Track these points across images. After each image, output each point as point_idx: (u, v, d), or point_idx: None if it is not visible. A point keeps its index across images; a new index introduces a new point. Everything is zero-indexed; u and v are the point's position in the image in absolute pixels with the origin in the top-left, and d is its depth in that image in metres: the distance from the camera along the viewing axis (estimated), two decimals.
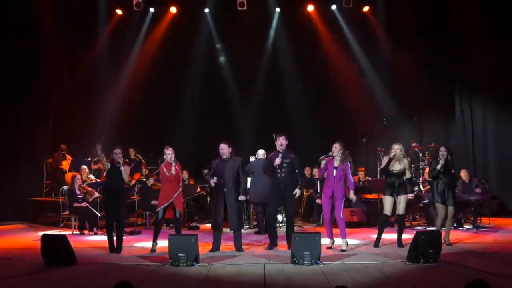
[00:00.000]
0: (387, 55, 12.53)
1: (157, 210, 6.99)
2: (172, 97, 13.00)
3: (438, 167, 7.26)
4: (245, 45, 12.71)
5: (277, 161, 7.01)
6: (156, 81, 12.91)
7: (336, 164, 6.97)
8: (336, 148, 6.97)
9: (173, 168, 6.97)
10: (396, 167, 7.09)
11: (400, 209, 7.10)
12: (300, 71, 13.08)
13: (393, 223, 8.80)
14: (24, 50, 11.15)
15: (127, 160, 7.12)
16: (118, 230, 7.05)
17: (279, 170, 7.06)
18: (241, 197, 7.08)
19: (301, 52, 12.95)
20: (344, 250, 6.80)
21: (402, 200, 7.07)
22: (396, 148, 7.06)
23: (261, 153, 8.93)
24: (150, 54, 12.84)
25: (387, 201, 7.13)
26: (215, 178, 6.99)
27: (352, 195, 7.09)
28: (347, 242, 6.97)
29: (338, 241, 7.08)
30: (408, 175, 7.22)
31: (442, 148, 7.38)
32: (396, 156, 7.06)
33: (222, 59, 13.11)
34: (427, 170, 10.11)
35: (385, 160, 7.22)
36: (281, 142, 7.11)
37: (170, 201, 6.93)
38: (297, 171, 7.20)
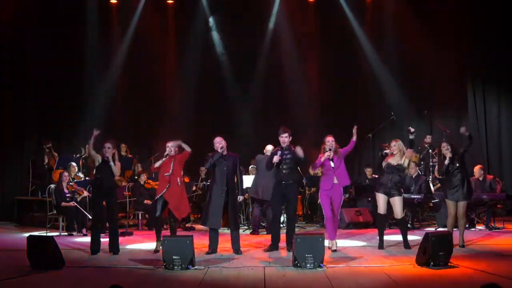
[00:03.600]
0: (395, 45, 12.49)
1: (156, 198, 7.07)
2: (167, 90, 12.96)
3: (446, 162, 7.22)
4: (244, 34, 12.69)
5: (275, 158, 7.04)
6: (149, 73, 12.87)
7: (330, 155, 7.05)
8: (334, 141, 7.02)
9: (159, 161, 7.03)
10: (394, 161, 7.11)
11: (398, 213, 7.12)
12: (302, 63, 13.05)
13: (391, 225, 8.95)
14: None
15: (107, 156, 7.04)
16: (111, 230, 7.05)
17: (280, 167, 7.09)
18: (241, 198, 7.10)
19: (304, 42, 12.91)
20: (335, 250, 6.91)
21: (396, 202, 7.07)
22: (393, 145, 7.14)
23: (269, 149, 8.90)
24: (143, 44, 12.80)
25: (380, 199, 7.15)
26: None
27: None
28: (336, 243, 7.06)
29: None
30: (407, 172, 7.31)
31: (444, 144, 7.39)
32: (393, 152, 7.11)
33: (215, 33, 13.03)
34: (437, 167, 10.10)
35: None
36: (283, 140, 7.15)
37: (160, 194, 6.97)
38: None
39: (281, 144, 7.18)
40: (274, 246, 7.12)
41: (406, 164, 7.13)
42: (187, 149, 7.19)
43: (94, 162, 7.16)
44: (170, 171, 7.01)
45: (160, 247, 6.91)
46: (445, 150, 7.30)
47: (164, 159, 7.01)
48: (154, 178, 9.98)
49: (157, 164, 7.09)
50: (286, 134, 7.14)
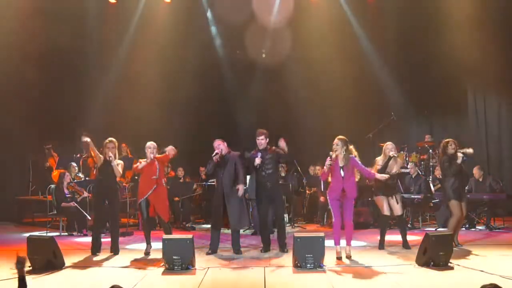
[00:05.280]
0: (395, 45, 12.47)
1: (140, 200, 6.98)
2: (167, 90, 12.95)
3: (459, 161, 7.21)
4: (244, 36, 12.68)
5: (257, 161, 7.04)
6: (149, 73, 12.85)
7: (341, 163, 6.50)
8: (338, 145, 6.54)
9: (143, 162, 6.99)
10: (394, 168, 7.14)
11: (398, 210, 7.16)
12: (302, 63, 13.04)
13: (391, 225, 8.90)
14: None
15: (110, 156, 7.01)
16: (112, 230, 7.07)
17: (263, 169, 7.09)
18: (240, 188, 6.93)
19: (303, 42, 12.90)
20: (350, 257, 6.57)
21: (398, 199, 7.15)
22: (391, 148, 7.13)
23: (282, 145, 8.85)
24: (143, 44, 12.79)
25: (381, 201, 7.19)
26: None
27: (379, 175, 6.84)
28: (345, 249, 6.66)
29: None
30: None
31: (451, 141, 7.33)
32: (395, 156, 7.13)
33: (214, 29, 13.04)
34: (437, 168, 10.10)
35: (381, 161, 7.20)
36: (259, 142, 7.14)
37: (145, 197, 6.92)
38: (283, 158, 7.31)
39: (258, 146, 7.16)
40: (266, 248, 7.12)
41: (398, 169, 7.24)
42: (171, 152, 7.09)
43: (94, 162, 7.15)
44: (157, 173, 6.97)
45: (151, 249, 6.94)
46: (451, 148, 7.25)
47: (147, 161, 6.95)
48: None
49: (140, 166, 7.00)
50: (262, 136, 7.15)
